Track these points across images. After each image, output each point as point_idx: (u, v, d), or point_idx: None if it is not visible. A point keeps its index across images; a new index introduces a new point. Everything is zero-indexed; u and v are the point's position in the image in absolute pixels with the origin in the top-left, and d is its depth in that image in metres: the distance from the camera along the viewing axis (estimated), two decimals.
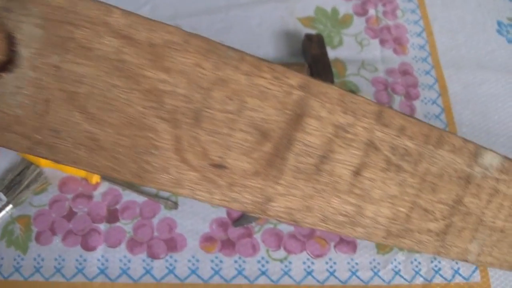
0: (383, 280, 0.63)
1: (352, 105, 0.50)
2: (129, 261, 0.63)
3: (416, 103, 0.76)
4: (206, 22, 0.82)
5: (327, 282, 0.63)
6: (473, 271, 0.64)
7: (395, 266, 0.64)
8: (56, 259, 0.62)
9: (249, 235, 0.65)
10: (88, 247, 0.63)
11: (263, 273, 0.63)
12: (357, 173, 0.52)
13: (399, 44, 0.82)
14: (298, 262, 0.64)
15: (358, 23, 0.84)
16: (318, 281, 0.63)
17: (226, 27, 0.82)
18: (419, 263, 0.64)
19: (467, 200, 0.55)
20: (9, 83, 0.44)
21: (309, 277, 0.63)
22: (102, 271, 0.62)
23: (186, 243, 0.64)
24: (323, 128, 0.50)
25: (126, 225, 0.65)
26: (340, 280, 0.63)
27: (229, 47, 0.47)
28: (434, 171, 0.54)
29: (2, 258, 0.62)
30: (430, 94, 0.78)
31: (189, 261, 0.63)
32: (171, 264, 0.63)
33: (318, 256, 0.64)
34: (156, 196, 0.67)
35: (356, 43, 0.82)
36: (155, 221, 0.65)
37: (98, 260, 0.63)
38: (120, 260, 0.63)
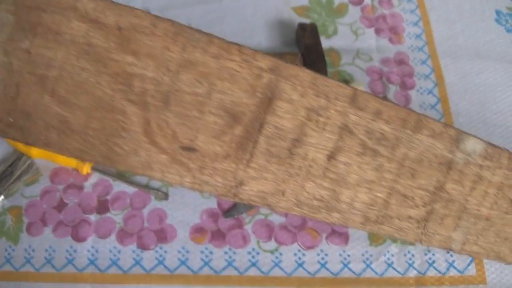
0: (376, 273, 0.62)
1: (324, 88, 0.50)
2: (119, 252, 0.62)
3: (412, 93, 0.75)
4: (199, 12, 0.82)
5: (318, 274, 0.62)
6: (468, 264, 0.63)
7: (388, 258, 0.63)
8: (46, 250, 0.62)
9: (240, 226, 0.64)
10: (78, 238, 0.63)
11: (254, 264, 0.62)
12: (331, 157, 0.52)
13: (395, 33, 0.81)
14: (289, 254, 0.63)
15: (353, 12, 0.83)
16: (309, 273, 0.62)
17: (220, 17, 0.81)
18: (413, 255, 0.63)
19: (449, 187, 0.54)
20: None
21: (300, 268, 0.62)
22: (92, 262, 0.62)
23: (176, 234, 0.64)
24: (295, 111, 0.50)
25: (116, 215, 0.65)
26: (331, 272, 0.62)
27: (197, 30, 0.48)
28: (413, 156, 0.53)
29: None
30: (426, 84, 0.76)
31: (179, 252, 0.63)
32: (161, 255, 0.62)
33: (310, 247, 0.63)
34: (146, 187, 0.66)
35: (351, 32, 0.81)
36: (145, 212, 0.65)
37: (88, 251, 0.62)
38: (110, 251, 0.62)
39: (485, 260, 0.63)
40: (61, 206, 0.65)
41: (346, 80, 0.75)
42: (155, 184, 0.67)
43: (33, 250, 0.62)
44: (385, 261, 0.63)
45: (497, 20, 0.84)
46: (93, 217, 0.64)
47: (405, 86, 0.76)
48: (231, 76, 0.49)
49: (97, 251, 0.62)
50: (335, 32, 0.81)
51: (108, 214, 0.65)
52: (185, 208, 0.65)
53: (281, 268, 0.62)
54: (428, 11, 0.84)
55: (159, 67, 0.48)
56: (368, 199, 0.53)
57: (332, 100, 0.50)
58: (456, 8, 0.85)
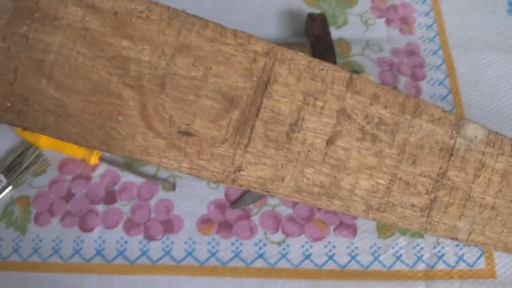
0: (384, 265, 0.62)
1: (320, 72, 0.50)
2: (125, 242, 0.62)
3: (422, 84, 0.74)
4: (208, 2, 0.81)
5: (326, 266, 0.62)
6: (478, 258, 0.62)
7: (397, 251, 0.63)
8: (54, 240, 0.63)
9: (247, 217, 0.64)
10: (85, 228, 0.63)
11: (260, 256, 0.62)
12: (330, 142, 0.51)
13: (405, 24, 0.80)
14: (296, 246, 0.63)
15: (364, 2, 0.82)
16: (316, 264, 0.62)
17: (229, 7, 0.81)
18: (422, 248, 0.63)
19: (452, 174, 0.54)
20: None
21: (307, 260, 0.62)
22: (98, 252, 0.62)
23: (183, 224, 0.64)
24: (292, 95, 0.50)
25: (123, 206, 0.65)
26: (339, 264, 0.62)
27: (192, 15, 0.48)
28: (413, 142, 0.52)
29: (1, 239, 0.63)
30: (437, 75, 0.75)
31: (185, 243, 0.62)
32: (167, 246, 0.62)
33: (317, 239, 0.63)
34: (154, 178, 0.66)
35: (361, 23, 0.80)
36: (152, 202, 0.65)
37: (95, 241, 0.63)
38: (117, 242, 0.63)
39: (495, 254, 0.63)
40: (68, 196, 0.65)
41: (356, 71, 0.74)
42: (163, 174, 0.66)
43: (40, 240, 0.63)
44: (394, 254, 0.62)
45: (509, 11, 0.82)
46: (100, 208, 0.64)
47: (415, 77, 0.75)
48: (226, 60, 0.49)
49: (104, 242, 0.63)
50: (345, 22, 0.80)
51: (115, 205, 0.65)
52: (192, 199, 0.65)
53: (288, 260, 0.62)
54: (439, 1, 0.83)
55: (154, 51, 0.48)
56: (369, 185, 0.53)
57: (328, 83, 0.50)
58: None
